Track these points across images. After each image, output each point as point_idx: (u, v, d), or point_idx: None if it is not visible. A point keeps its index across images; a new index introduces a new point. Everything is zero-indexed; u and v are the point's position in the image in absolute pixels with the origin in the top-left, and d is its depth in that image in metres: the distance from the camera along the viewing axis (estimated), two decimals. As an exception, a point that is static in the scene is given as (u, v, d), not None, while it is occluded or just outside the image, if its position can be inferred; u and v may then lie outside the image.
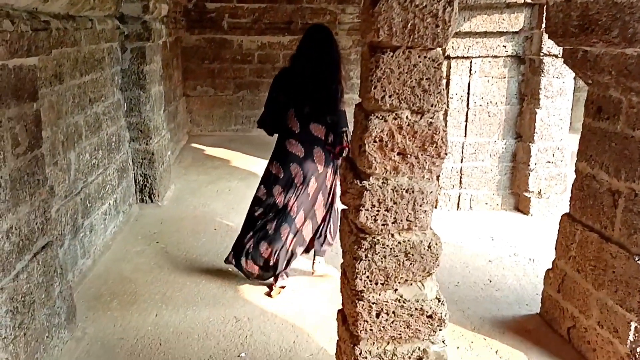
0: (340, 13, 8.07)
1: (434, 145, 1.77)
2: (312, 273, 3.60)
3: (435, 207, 2.03)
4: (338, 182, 3.27)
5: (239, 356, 2.74)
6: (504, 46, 4.63)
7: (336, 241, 2.89)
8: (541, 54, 4.49)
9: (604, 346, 2.57)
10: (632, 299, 2.39)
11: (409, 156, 1.78)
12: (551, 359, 2.75)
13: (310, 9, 7.98)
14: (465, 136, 4.83)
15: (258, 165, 6.13)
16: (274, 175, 3.31)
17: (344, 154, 3.13)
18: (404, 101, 1.73)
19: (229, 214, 4.69)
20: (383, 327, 1.90)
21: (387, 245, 1.83)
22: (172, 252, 3.97)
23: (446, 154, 1.80)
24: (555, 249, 3.00)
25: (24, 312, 2.34)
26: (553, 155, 4.76)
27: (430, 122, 1.76)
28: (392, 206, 1.81)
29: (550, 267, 3.06)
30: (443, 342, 1.99)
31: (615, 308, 2.49)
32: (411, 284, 1.91)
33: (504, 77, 4.74)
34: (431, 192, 1.83)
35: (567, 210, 2.94)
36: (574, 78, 4.61)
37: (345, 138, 3.14)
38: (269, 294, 3.33)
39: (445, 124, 1.94)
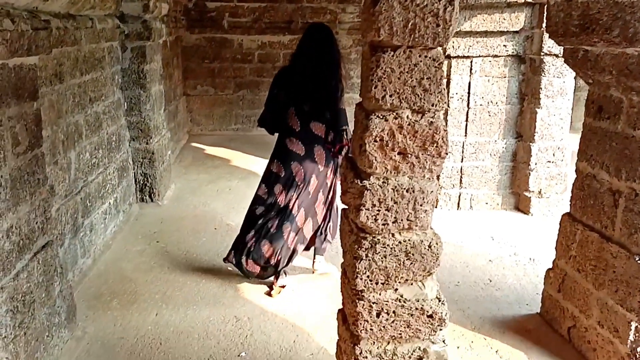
0: (341, 12, 8.06)
1: (435, 145, 1.77)
2: (313, 272, 3.60)
3: (436, 207, 2.04)
4: (338, 180, 3.28)
5: (239, 355, 2.74)
6: (504, 46, 4.63)
7: (336, 240, 2.89)
8: (542, 54, 4.49)
9: (605, 346, 2.57)
10: (632, 298, 2.39)
11: (409, 156, 1.77)
12: (551, 358, 2.75)
13: (311, 8, 7.97)
14: (465, 136, 4.83)
15: (258, 165, 6.13)
16: (275, 173, 3.31)
17: (343, 152, 3.14)
18: (405, 101, 1.73)
19: (229, 213, 4.69)
20: (383, 326, 1.90)
21: (388, 245, 1.83)
22: (172, 252, 3.97)
23: (447, 154, 1.80)
24: (556, 248, 3.00)
25: (24, 311, 2.34)
26: (553, 154, 4.75)
27: (431, 122, 1.75)
28: (393, 206, 1.81)
29: (550, 266, 3.06)
30: (443, 341, 1.99)
31: (615, 308, 2.49)
32: (412, 284, 1.91)
33: (505, 77, 4.74)
34: (432, 191, 1.83)
35: (568, 210, 2.94)
36: (575, 77, 4.61)
37: (345, 136, 3.14)
38: (269, 294, 3.33)
39: (446, 124, 1.94)
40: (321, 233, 3.47)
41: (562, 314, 2.91)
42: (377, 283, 1.86)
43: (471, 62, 4.68)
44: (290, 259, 3.33)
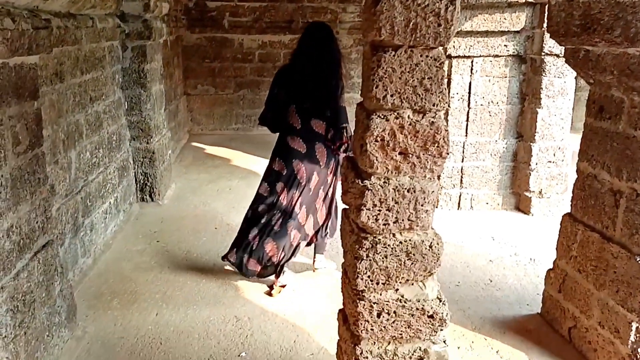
0: (341, 12, 8.06)
1: (436, 145, 1.77)
2: (313, 270, 3.62)
3: (436, 207, 2.04)
4: (339, 177, 3.28)
5: (239, 355, 2.74)
6: (505, 45, 4.63)
7: (337, 240, 2.88)
8: (542, 54, 4.48)
9: (605, 346, 2.57)
10: (633, 299, 2.38)
11: (410, 156, 1.77)
12: (552, 359, 2.75)
13: (311, 7, 7.97)
14: (466, 136, 4.83)
15: (258, 164, 6.12)
16: (276, 171, 3.32)
17: (342, 149, 3.16)
18: (406, 100, 1.73)
19: (230, 213, 4.69)
20: (384, 327, 1.90)
21: (389, 245, 1.83)
22: (172, 251, 3.97)
23: (448, 154, 1.80)
24: (556, 248, 2.99)
25: (24, 311, 2.34)
26: (554, 155, 4.75)
27: (432, 122, 1.75)
28: (394, 206, 1.80)
29: (551, 267, 3.06)
30: (444, 342, 1.98)
31: (616, 308, 2.49)
32: (412, 284, 1.91)
33: (505, 77, 4.73)
34: (433, 191, 1.83)
35: (568, 210, 2.94)
36: (575, 78, 4.61)
37: (345, 133, 3.14)
38: (269, 293, 3.33)
39: (446, 124, 1.94)
40: (322, 231, 3.48)
41: (562, 314, 2.90)
42: (377, 283, 1.86)
43: (472, 62, 4.67)
44: (291, 256, 3.34)
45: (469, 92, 4.74)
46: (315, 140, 3.24)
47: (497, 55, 4.66)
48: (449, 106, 4.72)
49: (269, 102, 3.35)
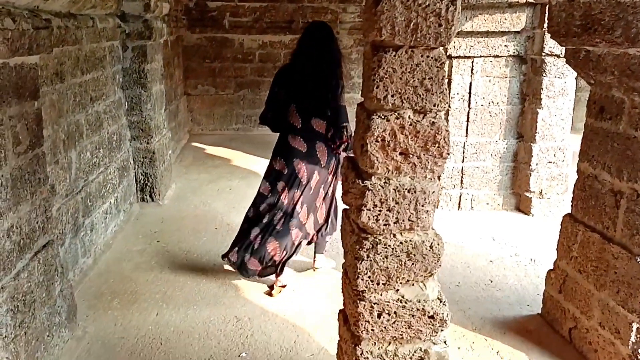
0: (342, 12, 8.06)
1: (437, 145, 1.77)
2: (314, 270, 3.63)
3: (437, 207, 2.03)
4: (339, 176, 3.29)
5: (239, 356, 2.73)
6: (505, 46, 4.63)
7: (337, 240, 2.89)
8: (543, 54, 4.48)
9: (606, 347, 2.57)
10: (634, 299, 2.38)
11: (411, 156, 1.77)
12: (552, 359, 2.75)
13: (312, 7, 7.97)
14: (466, 136, 4.83)
15: (259, 165, 6.12)
16: (277, 171, 3.32)
17: (342, 148, 3.17)
18: (407, 101, 1.72)
19: (230, 213, 4.69)
20: (384, 327, 1.89)
21: (389, 245, 1.83)
22: (172, 251, 3.97)
23: (448, 154, 1.79)
24: (557, 249, 2.99)
25: (24, 311, 2.34)
26: (554, 155, 4.75)
27: (433, 122, 1.75)
28: (394, 206, 1.80)
29: (551, 267, 3.06)
30: (444, 342, 1.98)
31: (617, 309, 2.48)
32: (413, 284, 1.91)
33: (506, 77, 4.73)
34: (433, 192, 1.83)
35: (569, 211, 2.94)
36: (576, 78, 4.60)
37: (345, 133, 3.15)
38: (269, 293, 3.33)
39: (447, 124, 1.93)
40: (323, 230, 3.48)
41: (563, 314, 2.90)
42: (378, 284, 1.86)
43: (472, 62, 4.67)
44: (293, 253, 3.34)
45: (470, 93, 4.74)
46: (316, 140, 3.24)
47: (497, 56, 4.66)
48: (449, 106, 4.72)
49: (269, 101, 3.35)
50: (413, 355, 1.94)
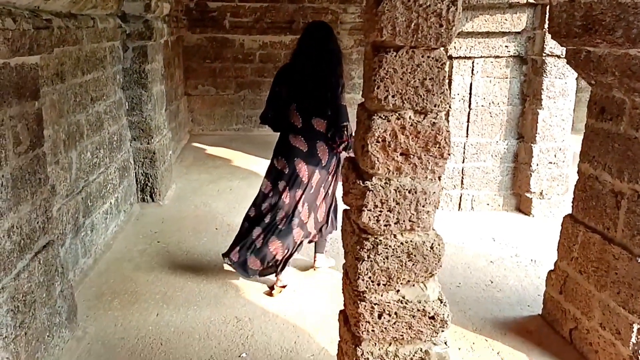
0: (342, 13, 8.06)
1: (437, 146, 1.76)
2: (314, 269, 3.65)
3: (437, 208, 2.03)
4: (339, 175, 3.29)
5: (240, 356, 2.73)
6: (506, 46, 4.62)
7: (338, 241, 2.88)
8: (543, 54, 4.48)
9: (606, 348, 2.56)
10: (634, 300, 2.38)
11: (412, 156, 1.77)
12: (553, 360, 2.75)
13: (312, 8, 7.97)
14: (467, 136, 4.82)
15: (259, 165, 6.12)
16: (279, 170, 3.32)
17: (342, 147, 3.18)
18: (407, 101, 1.72)
19: (230, 214, 4.69)
20: (385, 328, 1.89)
21: (390, 246, 1.82)
22: (173, 252, 3.97)
23: (449, 155, 1.79)
24: (557, 250, 2.99)
25: (25, 311, 2.34)
26: (555, 156, 4.75)
27: (434, 123, 1.75)
28: (395, 207, 1.80)
29: (552, 268, 3.05)
30: (445, 343, 1.98)
31: (617, 310, 2.48)
32: (413, 285, 1.90)
33: (506, 78, 4.73)
34: (434, 192, 1.82)
35: (569, 211, 2.93)
36: (576, 79, 4.60)
37: (346, 132, 3.15)
38: (269, 293, 3.33)
39: (448, 124, 1.92)
40: (324, 229, 3.49)
41: (563, 315, 2.90)
42: (378, 284, 1.86)
43: (473, 62, 4.67)
44: (294, 251, 3.34)
45: (470, 93, 4.74)
46: (317, 139, 3.25)
47: (498, 56, 4.66)
48: (449, 107, 4.72)
49: (270, 101, 3.35)
50: (414, 356, 1.94)
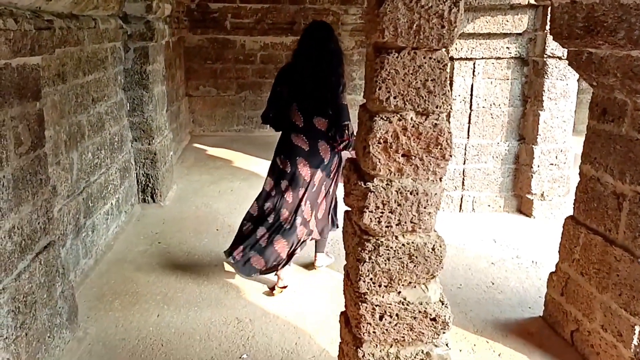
0: (343, 14, 8.07)
1: (439, 147, 1.76)
2: (315, 268, 3.66)
3: (438, 209, 2.02)
4: (340, 174, 3.30)
5: (240, 357, 2.73)
6: (507, 48, 4.62)
7: (339, 241, 2.88)
8: (545, 56, 4.47)
9: (608, 350, 2.56)
10: (636, 302, 2.37)
11: (413, 158, 1.76)
12: (554, 362, 2.74)
13: (313, 9, 7.98)
14: (468, 138, 4.82)
15: (260, 166, 6.12)
16: (281, 169, 3.32)
17: (343, 146, 3.19)
18: (409, 102, 1.72)
19: (232, 214, 4.68)
20: (386, 329, 1.89)
21: (391, 248, 1.82)
22: (174, 253, 3.97)
23: (451, 156, 1.79)
24: (559, 251, 2.98)
25: (25, 312, 2.34)
26: (556, 157, 4.74)
27: (435, 124, 1.75)
28: (396, 208, 1.80)
29: (553, 269, 3.05)
30: (446, 344, 1.98)
31: (619, 311, 2.48)
32: (415, 287, 1.90)
33: (507, 79, 4.72)
34: (435, 194, 1.82)
35: (570, 213, 2.93)
36: (578, 80, 4.60)
37: (347, 131, 3.15)
38: (270, 293, 3.32)
39: (449, 126, 1.91)
40: (325, 228, 3.50)
41: (565, 317, 2.89)
42: (380, 286, 1.86)
43: (474, 64, 4.67)
44: (296, 249, 3.34)
45: (471, 94, 4.73)
46: (318, 138, 3.25)
47: (499, 58, 4.66)
48: (451, 108, 4.71)
49: (271, 100, 3.35)
50: (415, 357, 1.94)
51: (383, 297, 1.87)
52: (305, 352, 2.78)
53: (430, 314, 1.89)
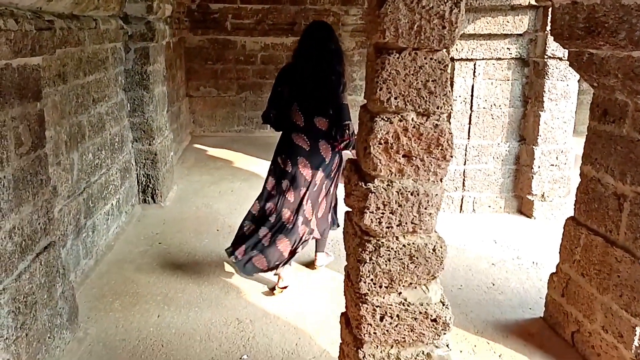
0: (344, 14, 8.07)
1: (440, 148, 1.76)
2: (315, 267, 3.66)
3: (439, 210, 2.02)
4: (341, 173, 3.30)
5: (241, 358, 2.73)
6: (508, 48, 4.62)
7: (340, 242, 2.88)
8: (545, 57, 4.47)
9: (609, 351, 2.56)
10: (637, 303, 2.37)
11: (414, 158, 1.76)
12: (555, 363, 2.74)
13: (314, 10, 7.98)
14: (468, 138, 4.82)
15: (261, 166, 6.12)
16: (282, 168, 3.33)
17: (343, 145, 3.19)
18: (410, 103, 1.72)
19: (232, 215, 4.68)
20: (387, 330, 1.89)
21: (392, 248, 1.82)
22: (174, 253, 3.96)
23: (452, 157, 1.78)
24: (560, 252, 2.98)
25: (26, 312, 2.34)
26: (557, 158, 4.74)
27: (436, 124, 1.74)
28: (397, 209, 1.80)
29: (554, 270, 3.05)
30: (447, 345, 1.97)
31: (620, 312, 2.47)
32: (415, 287, 1.90)
33: (508, 80, 4.72)
34: (436, 194, 1.82)
35: (571, 214, 2.93)
36: (578, 81, 4.60)
37: (348, 131, 3.15)
38: (270, 293, 3.32)
39: (450, 126, 1.91)
40: (326, 228, 3.50)
41: (565, 318, 2.89)
42: (380, 286, 1.85)
43: (474, 64, 4.66)
44: (297, 248, 3.33)
45: (472, 95, 4.73)
46: (319, 138, 3.26)
47: (499, 58, 4.66)
48: (452, 109, 4.71)
49: (272, 100, 3.36)
50: (415, 358, 1.94)
51: (384, 298, 1.87)
52: (305, 353, 2.78)
53: (431, 315, 1.88)
